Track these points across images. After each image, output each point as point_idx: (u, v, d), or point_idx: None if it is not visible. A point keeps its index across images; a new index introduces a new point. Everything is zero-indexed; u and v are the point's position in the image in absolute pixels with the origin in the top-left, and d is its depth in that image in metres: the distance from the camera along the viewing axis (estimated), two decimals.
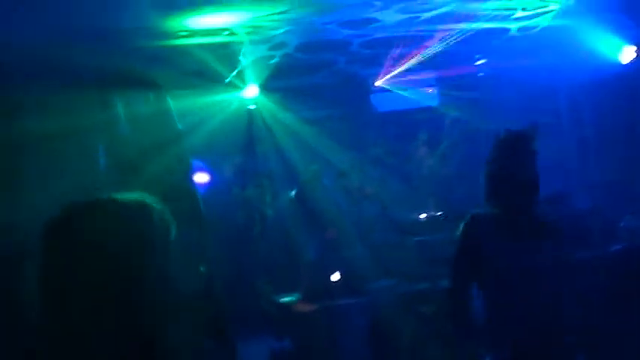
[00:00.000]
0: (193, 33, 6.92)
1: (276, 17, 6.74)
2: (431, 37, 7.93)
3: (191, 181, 5.92)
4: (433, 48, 8.13)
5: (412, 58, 8.48)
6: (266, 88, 8.62)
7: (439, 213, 9.69)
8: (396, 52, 8.25)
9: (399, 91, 10.43)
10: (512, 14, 7.46)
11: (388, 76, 9.55)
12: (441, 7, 6.88)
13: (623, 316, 5.75)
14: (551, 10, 7.38)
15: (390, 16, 7.10)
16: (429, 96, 11.09)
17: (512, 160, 3.81)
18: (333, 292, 7.30)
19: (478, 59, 9.89)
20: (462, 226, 3.92)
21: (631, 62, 8.40)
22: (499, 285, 3.81)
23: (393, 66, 8.98)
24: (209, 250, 5.47)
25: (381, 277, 7.49)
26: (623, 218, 7.64)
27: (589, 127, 9.48)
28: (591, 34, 8.01)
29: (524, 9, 7.34)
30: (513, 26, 7.89)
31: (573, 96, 9.61)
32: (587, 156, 9.16)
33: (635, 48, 8.32)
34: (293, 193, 8.10)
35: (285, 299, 7.39)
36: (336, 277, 7.43)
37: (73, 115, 5.86)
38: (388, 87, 10.04)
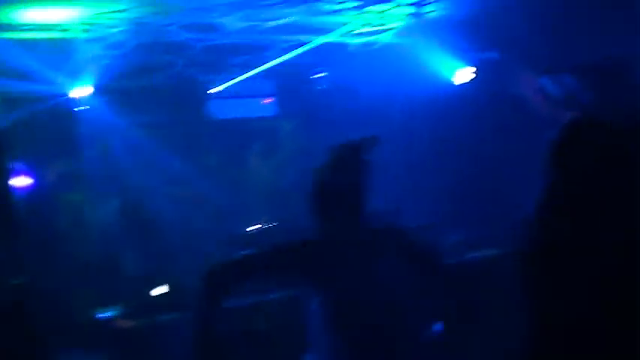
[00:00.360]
0: (23, 27, 6.53)
1: (114, 15, 6.49)
2: (272, 46, 7.90)
3: (6, 184, 5.57)
4: (274, 58, 8.10)
5: (252, 66, 8.41)
6: (99, 89, 8.25)
7: (271, 225, 9.61)
8: (237, 59, 8.15)
9: (237, 100, 10.31)
10: (354, 30, 7.53)
11: (227, 84, 9.40)
12: (284, 17, 6.87)
13: (453, 329, 5.89)
14: (392, 28, 7.51)
15: (233, 23, 7.00)
16: (266, 106, 11.01)
17: (339, 171, 3.73)
18: (157, 306, 7.06)
19: (318, 72, 9.92)
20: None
21: (466, 83, 8.66)
22: (326, 293, 3.75)
23: (233, 73, 8.86)
24: (24, 260, 5.12)
25: None
26: (451, 235, 7.87)
27: (421, 145, 9.65)
28: (429, 53, 8.21)
29: (365, 25, 7.43)
30: (354, 41, 7.95)
31: (409, 113, 9.78)
32: (419, 173, 9.33)
33: (469, 69, 8.59)
34: (119, 200, 7.79)
35: (104, 314, 7.08)
36: (160, 290, 7.20)
37: None
38: (226, 94, 9.88)
